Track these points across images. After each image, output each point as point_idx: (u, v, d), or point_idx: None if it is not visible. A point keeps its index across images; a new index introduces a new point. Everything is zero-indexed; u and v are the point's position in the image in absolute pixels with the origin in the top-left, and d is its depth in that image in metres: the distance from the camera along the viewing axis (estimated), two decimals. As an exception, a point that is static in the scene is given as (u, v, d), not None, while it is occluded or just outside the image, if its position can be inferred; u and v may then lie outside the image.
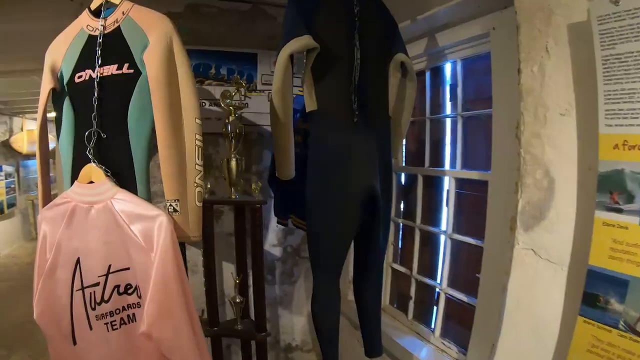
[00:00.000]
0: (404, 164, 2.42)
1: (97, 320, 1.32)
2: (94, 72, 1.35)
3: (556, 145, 1.34)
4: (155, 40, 1.33)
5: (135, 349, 1.32)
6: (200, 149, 1.39)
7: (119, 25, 1.37)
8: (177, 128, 1.35)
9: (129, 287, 1.32)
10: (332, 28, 1.62)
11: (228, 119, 2.03)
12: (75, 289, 1.31)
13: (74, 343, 1.32)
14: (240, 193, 2.15)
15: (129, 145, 1.35)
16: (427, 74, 2.20)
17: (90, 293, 1.31)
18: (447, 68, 2.11)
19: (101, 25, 1.37)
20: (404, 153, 2.42)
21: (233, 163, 2.01)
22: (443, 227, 2.08)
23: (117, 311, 1.33)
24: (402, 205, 2.46)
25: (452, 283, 2.01)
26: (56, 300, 1.32)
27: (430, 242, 2.22)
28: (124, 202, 1.28)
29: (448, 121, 2.11)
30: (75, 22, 1.45)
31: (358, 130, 1.63)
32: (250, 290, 2.18)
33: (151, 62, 1.31)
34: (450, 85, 2.08)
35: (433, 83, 2.20)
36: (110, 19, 1.39)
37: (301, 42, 1.48)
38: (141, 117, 1.35)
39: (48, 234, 1.33)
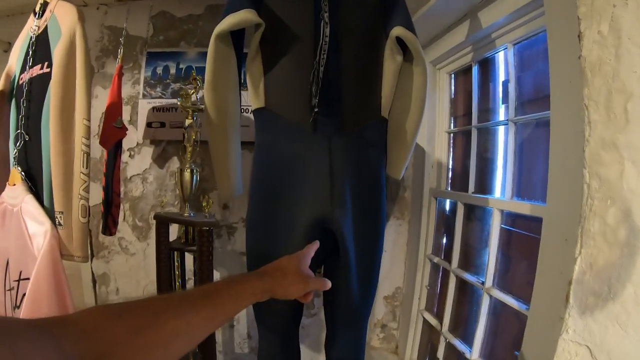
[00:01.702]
0: (447, 188, 1.80)
1: None
2: (27, 74, 1.27)
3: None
4: (63, 33, 1.19)
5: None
6: (86, 155, 1.16)
7: (47, 24, 1.26)
8: (68, 131, 1.16)
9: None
10: None
11: (184, 123, 1.62)
12: (6, 288, 1.25)
13: None
14: (197, 210, 1.70)
15: (41, 148, 1.20)
16: (475, 70, 1.57)
17: (12, 295, 1.22)
18: (500, 60, 1.48)
19: (35, 26, 1.29)
20: (449, 173, 1.80)
21: (187, 175, 1.57)
22: (484, 277, 1.43)
23: None
24: (444, 241, 1.83)
25: (487, 354, 1.40)
26: None
27: (468, 293, 1.58)
28: (28, 209, 1.17)
29: (500, 131, 1.47)
30: (27, 23, 1.37)
31: (319, 137, 1.11)
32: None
33: (55, 57, 1.17)
34: (504, 82, 1.45)
35: (482, 81, 1.57)
36: (42, 19, 1.29)
37: (236, 18, 1.04)
38: (49, 118, 1.19)
39: None
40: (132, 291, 2.04)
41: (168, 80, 1.93)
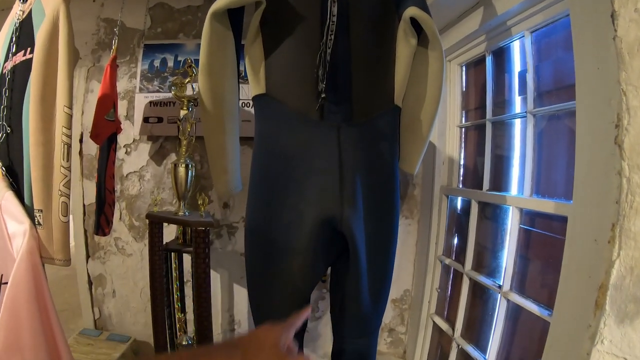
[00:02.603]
0: (459, 185, 1.69)
1: None
2: (10, 61, 1.17)
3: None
4: (47, 16, 1.08)
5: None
6: (67, 146, 1.03)
7: (31, 8, 1.16)
8: (48, 120, 1.05)
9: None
10: None
11: (179, 114, 1.51)
12: None
13: None
14: (192, 209, 1.60)
15: (22, 141, 1.10)
16: (489, 60, 1.47)
17: None
18: (516, 49, 1.38)
19: (20, 11, 1.19)
20: (461, 169, 1.70)
21: (181, 170, 1.46)
22: (500, 280, 1.33)
23: None
24: (455, 241, 1.72)
25: None
26: None
27: (482, 297, 1.48)
28: (7, 207, 1.06)
29: (517, 124, 1.37)
30: (12, 10, 1.27)
31: (326, 126, 1.00)
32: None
33: (37, 40, 1.07)
34: (520, 72, 1.35)
35: (497, 72, 1.46)
36: (27, 3, 1.18)
37: None
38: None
39: None
40: (129, 293, 1.96)
41: (166, 74, 1.84)
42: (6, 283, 1.02)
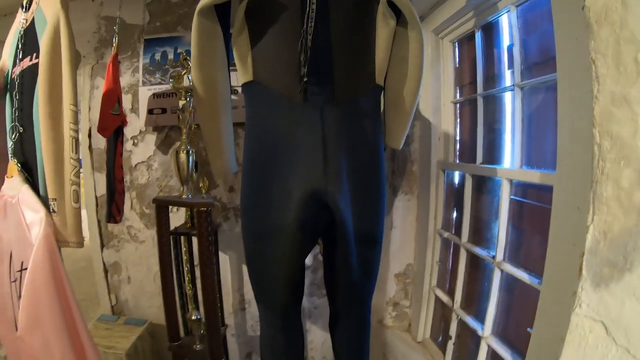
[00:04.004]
0: (456, 160, 1.71)
1: None
2: (18, 67, 1.25)
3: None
4: (48, 22, 1.15)
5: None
6: (75, 140, 1.12)
7: (34, 16, 1.23)
8: (57, 118, 1.13)
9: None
10: None
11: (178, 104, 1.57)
12: (11, 280, 1.23)
13: (16, 330, 1.22)
14: (197, 193, 1.64)
15: (35, 139, 1.18)
16: (478, 36, 1.47)
17: (16, 286, 1.20)
18: (504, 24, 1.37)
19: (23, 19, 1.27)
20: (457, 145, 1.71)
21: (183, 156, 1.53)
22: (494, 251, 1.35)
23: None
24: (453, 215, 1.75)
25: (500, 331, 1.33)
26: (3, 288, 1.26)
27: (479, 269, 1.51)
28: (24, 199, 1.15)
29: (507, 98, 1.37)
30: (16, 18, 1.34)
31: (309, 108, 1.04)
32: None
33: (42, 46, 1.14)
34: (509, 47, 1.35)
35: (487, 47, 1.47)
36: (29, 12, 1.26)
37: None
38: None
39: None
40: (143, 278, 2.03)
41: (167, 66, 1.87)
42: (27, 269, 1.11)
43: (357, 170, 1.08)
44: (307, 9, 1.00)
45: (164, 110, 1.87)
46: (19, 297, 1.16)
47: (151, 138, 1.94)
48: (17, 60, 1.24)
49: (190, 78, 1.55)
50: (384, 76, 1.13)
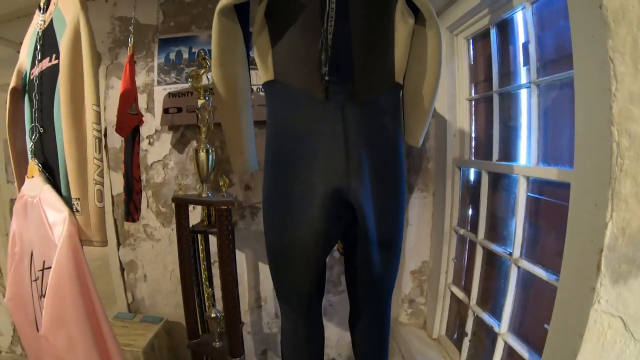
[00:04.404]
0: (471, 157, 1.74)
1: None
2: (37, 68, 1.28)
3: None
4: (68, 23, 1.17)
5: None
6: (98, 140, 1.14)
7: (52, 17, 1.25)
8: (78, 118, 1.15)
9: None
10: None
11: (197, 104, 1.61)
12: (32, 279, 1.26)
13: (37, 330, 1.24)
14: (215, 191, 1.70)
15: (56, 139, 1.20)
16: (493, 32, 1.50)
17: (37, 285, 1.23)
18: (519, 20, 1.40)
19: (41, 20, 1.29)
20: (472, 142, 1.74)
21: (202, 155, 1.57)
22: (511, 247, 1.38)
23: None
24: (469, 212, 1.78)
25: (517, 327, 1.37)
26: (24, 287, 1.29)
27: (496, 265, 1.54)
28: (46, 198, 1.18)
29: (523, 95, 1.40)
30: (33, 20, 1.38)
31: (331, 106, 1.07)
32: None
33: (62, 47, 1.16)
34: (524, 44, 1.38)
35: (502, 44, 1.49)
36: (47, 13, 1.29)
37: None
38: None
39: (15, 224, 1.34)
40: (159, 277, 2.09)
41: (182, 65, 1.92)
42: (49, 268, 1.14)
43: (378, 169, 1.11)
44: (327, 7, 1.03)
45: (179, 109, 1.92)
46: (41, 296, 1.19)
47: (167, 137, 1.99)
48: (36, 62, 1.27)
49: (209, 77, 1.60)
50: (403, 74, 1.16)
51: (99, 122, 1.15)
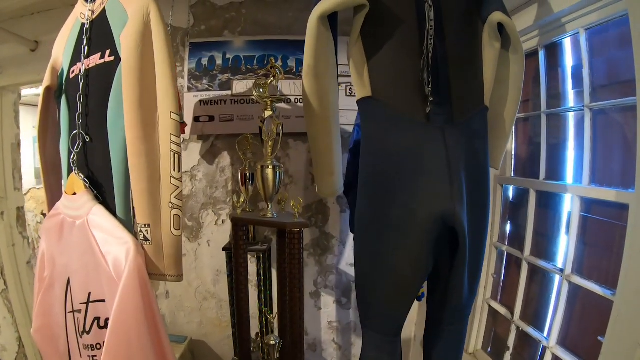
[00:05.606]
0: (512, 174, 1.96)
1: (84, 349, 1.19)
2: (82, 64, 1.19)
3: None
4: (131, 16, 1.11)
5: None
6: (177, 155, 1.09)
7: (104, 7, 1.19)
8: (149, 128, 1.09)
9: (108, 321, 1.11)
10: None
11: (263, 115, 1.66)
12: (67, 310, 1.21)
13: None
14: (279, 210, 1.79)
15: (109, 150, 1.14)
16: (541, 54, 1.72)
17: (77, 319, 1.18)
18: (567, 44, 1.63)
19: (89, 10, 1.21)
20: (512, 159, 1.97)
21: (269, 172, 1.64)
22: (559, 263, 1.60)
23: (98, 346, 1.16)
24: (507, 228, 2.00)
25: (565, 341, 1.56)
26: (54, 318, 1.25)
27: (540, 281, 1.75)
28: (97, 221, 1.10)
29: (571, 117, 1.62)
30: (73, 11, 1.33)
31: (432, 127, 1.16)
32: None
33: (124, 42, 1.10)
34: (573, 67, 1.61)
35: (549, 66, 1.72)
36: (97, 3, 1.22)
37: None
38: (119, 114, 1.10)
39: (45, 245, 1.26)
40: (183, 294, 2.20)
41: (214, 72, 2.05)
42: (100, 301, 1.12)
43: (472, 194, 1.20)
44: (427, 25, 1.13)
45: (211, 118, 2.05)
46: (84, 332, 1.16)
47: (195, 147, 2.11)
48: (81, 57, 1.19)
49: (279, 87, 1.70)
50: (489, 97, 1.27)
51: (178, 134, 1.10)
